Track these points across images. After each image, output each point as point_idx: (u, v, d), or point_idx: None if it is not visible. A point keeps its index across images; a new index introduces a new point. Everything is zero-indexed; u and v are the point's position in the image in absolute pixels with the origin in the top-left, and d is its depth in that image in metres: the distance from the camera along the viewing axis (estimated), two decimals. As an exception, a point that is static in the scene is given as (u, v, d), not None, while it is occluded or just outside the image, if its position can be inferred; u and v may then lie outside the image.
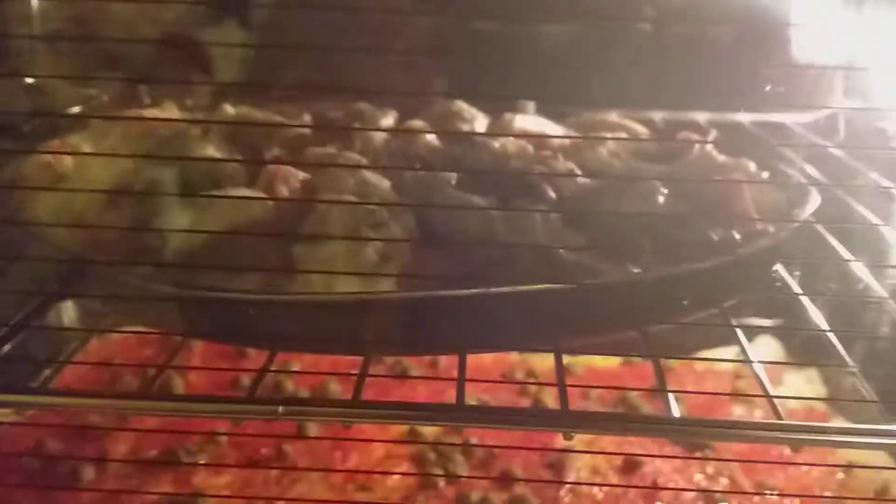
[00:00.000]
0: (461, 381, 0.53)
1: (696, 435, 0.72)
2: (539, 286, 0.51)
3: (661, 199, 0.67)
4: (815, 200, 0.71)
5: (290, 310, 0.52)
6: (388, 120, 0.91)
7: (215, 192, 0.64)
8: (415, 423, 0.80)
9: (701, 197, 0.69)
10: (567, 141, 0.86)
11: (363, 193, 0.66)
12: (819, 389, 1.23)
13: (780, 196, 0.75)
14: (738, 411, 1.15)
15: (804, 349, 1.27)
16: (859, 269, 0.79)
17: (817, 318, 0.74)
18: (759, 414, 1.14)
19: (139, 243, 0.60)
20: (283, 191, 0.67)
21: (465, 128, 0.91)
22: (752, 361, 0.65)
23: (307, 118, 0.89)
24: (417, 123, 0.90)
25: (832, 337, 0.73)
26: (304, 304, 0.52)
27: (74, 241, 0.63)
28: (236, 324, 0.54)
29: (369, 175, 0.68)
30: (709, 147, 0.79)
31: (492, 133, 0.82)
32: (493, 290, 0.51)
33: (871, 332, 0.79)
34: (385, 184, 0.68)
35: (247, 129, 0.84)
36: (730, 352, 1.29)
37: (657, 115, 1.26)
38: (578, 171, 0.74)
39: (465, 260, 0.59)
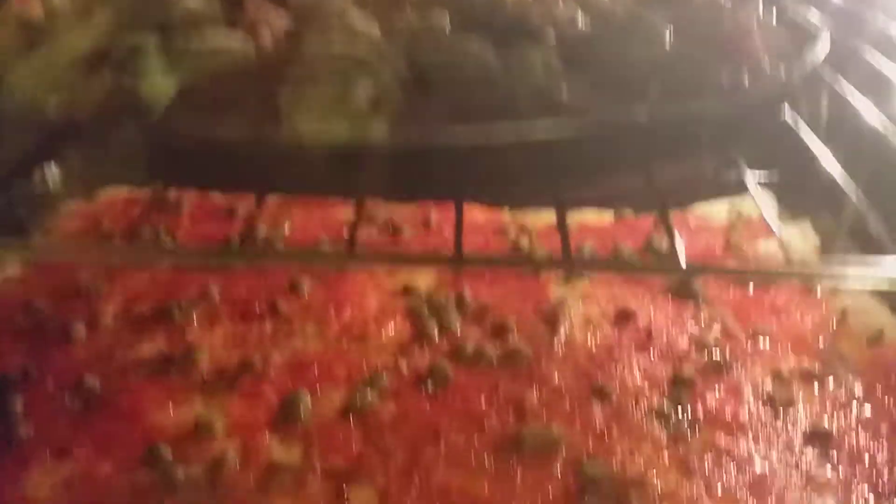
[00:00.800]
0: (459, 229, 0.51)
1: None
2: (541, 130, 0.48)
3: (667, 42, 0.64)
4: (824, 44, 0.67)
5: (279, 154, 0.49)
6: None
7: (194, 36, 0.60)
8: (413, 265, 0.78)
9: (708, 40, 0.66)
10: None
11: (350, 33, 0.62)
12: (814, 240, 1.23)
13: (789, 38, 0.71)
14: (730, 263, 1.15)
15: (798, 201, 1.27)
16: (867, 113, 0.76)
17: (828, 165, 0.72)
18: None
19: (122, 104, 0.57)
20: (266, 34, 0.63)
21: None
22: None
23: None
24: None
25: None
26: (292, 148, 0.49)
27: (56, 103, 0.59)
28: (223, 170, 0.51)
29: (358, 21, 0.64)
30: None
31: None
32: (495, 139, 0.48)
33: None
34: (374, 30, 0.64)
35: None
36: (722, 205, 1.29)
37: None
38: (580, 19, 0.69)
39: (463, 105, 0.56)
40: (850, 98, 0.77)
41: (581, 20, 0.70)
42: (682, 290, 1.06)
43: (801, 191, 1.23)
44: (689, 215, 1.26)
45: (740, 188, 0.84)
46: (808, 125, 0.71)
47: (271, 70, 0.60)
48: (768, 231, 1.18)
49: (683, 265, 0.55)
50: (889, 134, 0.72)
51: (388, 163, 0.48)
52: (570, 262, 0.51)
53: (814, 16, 0.74)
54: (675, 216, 1.16)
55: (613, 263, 0.64)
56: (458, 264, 0.52)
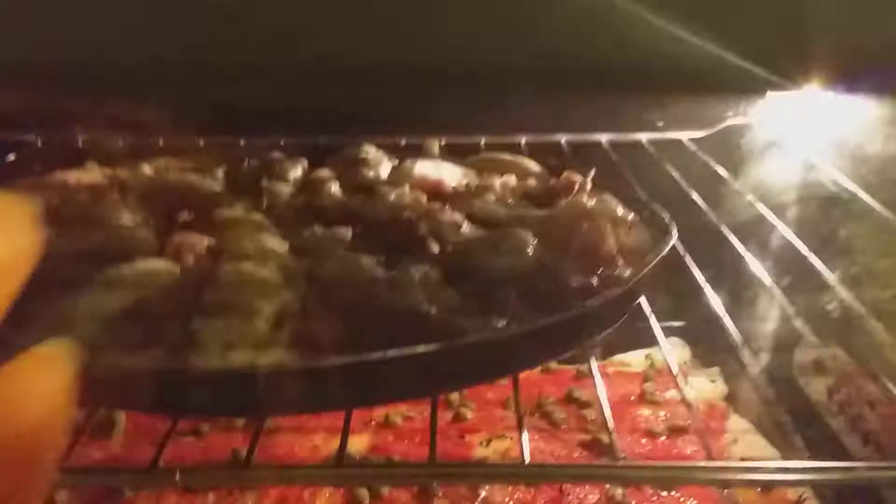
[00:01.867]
0: (345, 436, 0.61)
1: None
2: (404, 351, 0.59)
3: (530, 250, 0.75)
4: (669, 239, 0.79)
5: (185, 381, 0.59)
6: (297, 171, 0.98)
7: (125, 266, 0.71)
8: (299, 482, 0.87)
9: (568, 244, 0.78)
10: (462, 185, 0.94)
11: (261, 258, 0.73)
12: (721, 387, 1.33)
13: (645, 235, 0.83)
14: (645, 412, 1.25)
15: (709, 350, 1.39)
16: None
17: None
18: (663, 414, 1.24)
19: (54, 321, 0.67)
20: (190, 259, 0.74)
21: (370, 174, 0.98)
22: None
23: (220, 174, 0.96)
24: (322, 173, 0.97)
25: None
26: (197, 376, 0.59)
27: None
28: (138, 394, 0.61)
29: (268, 239, 0.75)
30: (583, 189, 0.89)
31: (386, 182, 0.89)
32: (365, 357, 0.58)
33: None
34: (283, 247, 0.76)
35: (161, 189, 0.91)
36: (639, 354, 1.40)
37: (562, 138, 1.36)
38: (463, 223, 0.81)
39: (352, 322, 0.67)
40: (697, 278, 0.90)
41: (465, 227, 0.82)
42: (598, 445, 1.15)
43: (711, 340, 1.36)
44: (609, 364, 1.36)
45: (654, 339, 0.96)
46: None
47: (191, 292, 0.70)
48: (680, 378, 1.29)
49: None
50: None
51: (282, 384, 0.58)
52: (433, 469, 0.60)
53: (664, 211, 0.86)
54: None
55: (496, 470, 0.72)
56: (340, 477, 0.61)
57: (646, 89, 1.28)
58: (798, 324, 0.96)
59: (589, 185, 0.93)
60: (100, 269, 0.73)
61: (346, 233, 0.79)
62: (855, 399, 1.17)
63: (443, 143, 1.28)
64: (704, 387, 1.32)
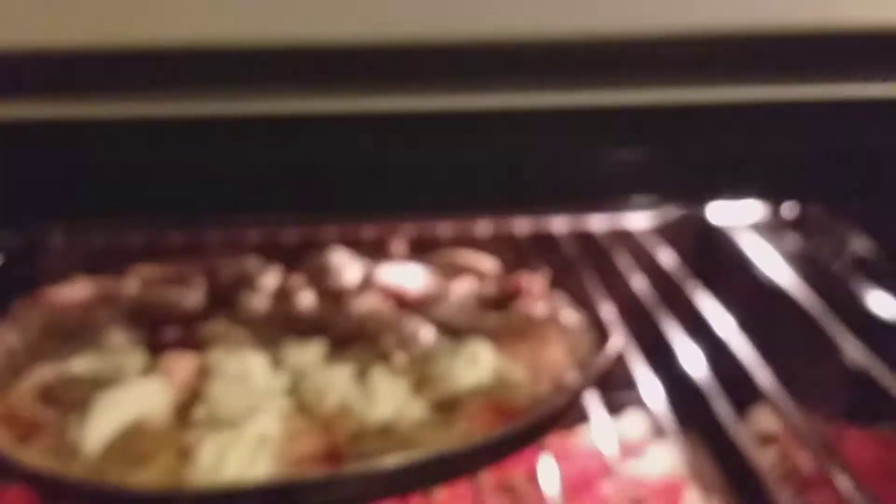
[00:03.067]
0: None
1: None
2: (374, 467, 0.67)
3: (485, 359, 0.84)
4: (614, 343, 0.88)
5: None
6: (272, 279, 1.06)
7: (118, 388, 0.79)
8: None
9: (520, 353, 0.87)
10: (423, 291, 1.03)
11: (245, 373, 0.81)
12: (678, 458, 1.41)
13: (589, 338, 0.92)
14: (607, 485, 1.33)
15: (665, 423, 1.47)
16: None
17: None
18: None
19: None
20: (179, 375, 0.82)
21: (341, 279, 1.07)
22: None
23: (200, 283, 1.04)
24: (295, 281, 1.05)
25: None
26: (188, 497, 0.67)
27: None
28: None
29: (249, 354, 0.84)
30: (533, 296, 0.99)
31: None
32: (338, 474, 0.67)
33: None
34: (262, 362, 0.84)
35: (148, 305, 0.99)
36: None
37: (518, 224, 1.45)
38: (426, 332, 0.90)
39: (330, 433, 0.75)
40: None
41: (426, 333, 0.91)
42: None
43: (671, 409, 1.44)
44: (568, 438, 1.44)
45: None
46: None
47: (183, 412, 0.78)
48: (639, 450, 1.38)
49: None
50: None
51: (262, 498, 0.66)
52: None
53: (610, 312, 0.95)
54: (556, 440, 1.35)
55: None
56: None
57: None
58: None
59: (541, 286, 1.02)
60: (98, 390, 0.81)
61: (319, 345, 0.87)
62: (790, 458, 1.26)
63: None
64: (661, 458, 1.40)
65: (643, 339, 1.18)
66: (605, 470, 1.35)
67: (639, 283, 1.28)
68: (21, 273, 1.26)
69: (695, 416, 1.28)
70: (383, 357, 0.86)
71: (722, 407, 1.22)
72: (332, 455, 0.73)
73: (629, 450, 1.39)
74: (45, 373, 0.85)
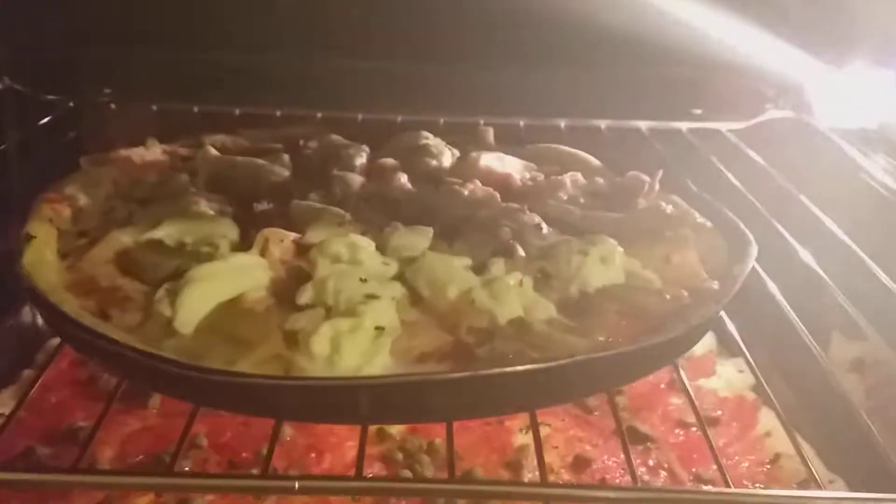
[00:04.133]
0: (450, 449, 0.61)
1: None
2: (517, 368, 0.59)
3: (618, 259, 0.75)
4: (752, 252, 0.79)
5: (290, 392, 0.59)
6: (362, 158, 0.96)
7: (217, 257, 0.70)
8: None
9: (652, 255, 0.78)
10: (531, 181, 0.93)
11: (353, 257, 0.73)
12: (749, 377, 1.34)
13: (723, 244, 0.83)
14: (676, 401, 1.26)
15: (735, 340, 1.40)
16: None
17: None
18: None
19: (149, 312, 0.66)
20: (277, 253, 0.73)
21: (434, 164, 0.97)
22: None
23: (286, 159, 0.95)
24: (388, 161, 0.96)
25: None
26: (302, 388, 0.59)
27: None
28: (242, 400, 0.61)
29: (357, 238, 0.75)
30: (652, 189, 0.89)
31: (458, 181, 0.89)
32: (477, 372, 0.58)
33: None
34: (371, 246, 0.75)
35: (231, 173, 0.89)
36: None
37: (602, 123, 1.35)
38: (544, 226, 0.81)
39: (452, 328, 0.67)
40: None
41: (545, 227, 0.82)
42: (633, 434, 1.16)
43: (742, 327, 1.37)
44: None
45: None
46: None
47: (284, 295, 0.70)
48: (709, 368, 1.31)
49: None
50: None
51: (387, 395, 0.58)
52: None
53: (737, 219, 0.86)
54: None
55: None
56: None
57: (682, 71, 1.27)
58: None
59: (657, 186, 0.93)
60: (184, 260, 0.73)
61: (428, 232, 0.78)
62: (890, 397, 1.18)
63: (481, 123, 1.27)
64: (732, 376, 1.33)
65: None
66: (674, 386, 1.29)
67: (727, 185, 1.19)
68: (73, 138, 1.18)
69: (768, 334, 1.18)
70: (501, 250, 0.77)
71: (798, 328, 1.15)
72: (459, 353, 0.64)
73: (698, 367, 1.32)
74: (122, 238, 0.76)
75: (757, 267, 0.93)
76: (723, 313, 1.38)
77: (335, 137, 1.02)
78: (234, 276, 0.69)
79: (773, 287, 0.93)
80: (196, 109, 1.30)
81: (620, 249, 0.77)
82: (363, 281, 0.69)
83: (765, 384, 0.89)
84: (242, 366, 0.62)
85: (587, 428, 1.17)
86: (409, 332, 0.66)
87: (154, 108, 1.30)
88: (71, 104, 1.29)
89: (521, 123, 1.31)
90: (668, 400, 1.25)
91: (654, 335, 0.66)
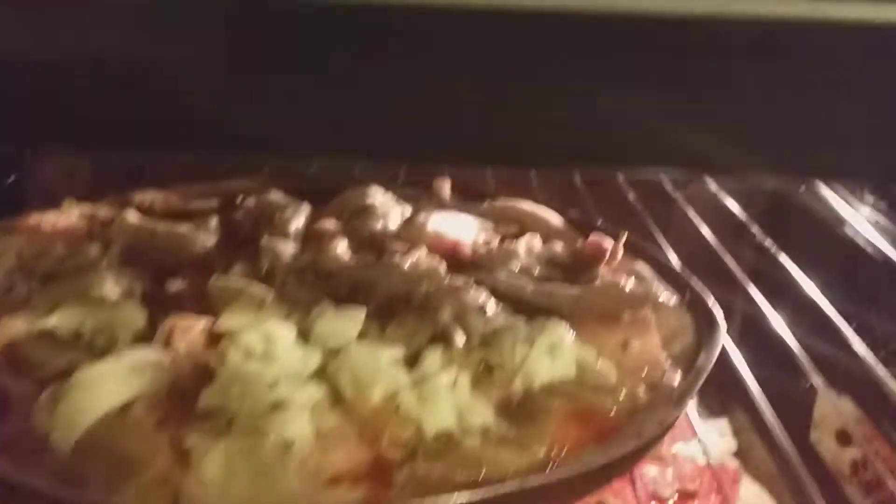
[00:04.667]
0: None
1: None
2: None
3: (567, 348, 0.67)
4: (719, 337, 0.71)
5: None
6: (299, 220, 0.88)
7: (108, 360, 0.61)
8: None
9: (608, 341, 0.69)
10: (482, 249, 0.85)
11: (268, 350, 0.64)
12: (730, 442, 1.26)
13: (688, 324, 0.75)
14: (651, 471, 1.17)
15: (717, 399, 1.32)
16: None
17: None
18: (669, 473, 1.17)
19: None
20: (183, 346, 0.65)
21: (378, 227, 0.89)
22: None
23: (213, 223, 0.86)
24: (327, 225, 0.87)
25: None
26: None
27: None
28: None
29: (273, 326, 0.66)
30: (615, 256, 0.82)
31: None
32: None
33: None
34: (290, 335, 0.67)
35: (149, 244, 0.81)
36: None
37: (576, 178, 1.27)
38: (490, 306, 0.73)
39: (373, 440, 0.58)
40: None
41: (490, 307, 0.73)
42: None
43: (720, 389, 1.29)
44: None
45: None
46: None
47: (186, 393, 0.61)
48: (688, 432, 1.22)
49: None
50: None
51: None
52: None
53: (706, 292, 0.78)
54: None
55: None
56: None
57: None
58: (817, 379, 0.89)
59: (620, 253, 0.85)
60: (77, 355, 0.64)
61: (359, 315, 0.70)
62: (872, 464, 1.10)
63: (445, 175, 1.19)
64: (713, 441, 1.25)
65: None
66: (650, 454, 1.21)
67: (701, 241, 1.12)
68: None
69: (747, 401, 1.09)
70: (439, 335, 0.68)
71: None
72: (377, 474, 0.56)
73: (676, 430, 1.24)
74: (14, 326, 0.68)
75: (728, 342, 0.85)
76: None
77: (275, 195, 0.94)
78: (125, 379, 0.60)
79: (739, 359, 0.85)
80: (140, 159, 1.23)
81: (570, 338, 0.68)
82: (271, 385, 0.60)
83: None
84: (125, 493, 0.54)
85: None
86: (323, 446, 0.58)
87: (92, 157, 1.23)
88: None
89: (489, 172, 1.23)
90: (642, 471, 1.17)
91: (602, 447, 0.58)
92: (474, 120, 0.43)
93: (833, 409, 1.11)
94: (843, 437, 1.11)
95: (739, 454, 1.24)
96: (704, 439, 1.22)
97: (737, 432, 1.27)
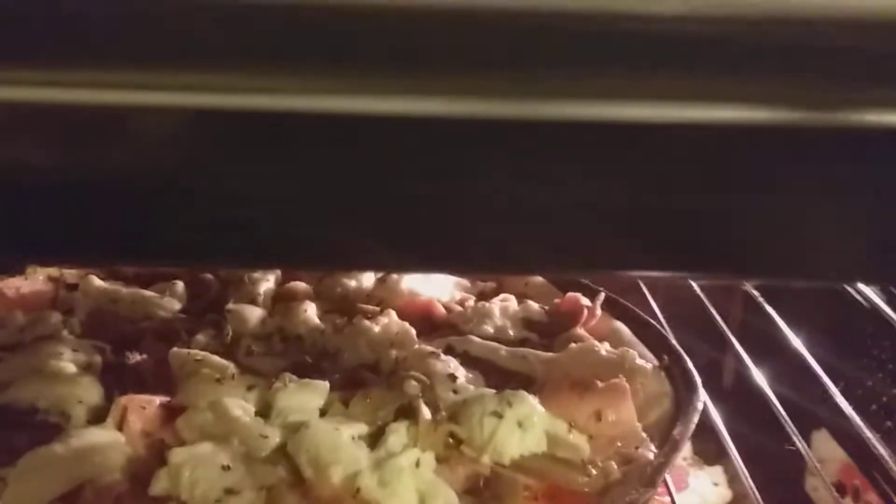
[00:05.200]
0: None
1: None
2: None
3: (537, 420, 0.65)
4: (698, 404, 0.69)
5: None
6: (269, 283, 0.86)
7: (58, 445, 0.59)
8: None
9: (581, 411, 0.67)
10: (456, 308, 0.83)
11: (225, 429, 0.62)
12: (725, 492, 1.23)
13: (666, 390, 0.73)
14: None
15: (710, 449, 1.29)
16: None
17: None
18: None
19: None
20: (137, 425, 0.63)
21: (352, 285, 0.87)
22: None
23: (179, 288, 0.84)
24: (298, 286, 0.85)
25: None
26: None
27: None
28: None
29: (230, 403, 0.64)
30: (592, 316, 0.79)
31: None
32: None
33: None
34: (249, 412, 0.64)
35: (113, 310, 0.79)
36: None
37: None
38: (460, 374, 0.71)
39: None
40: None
41: (461, 377, 0.71)
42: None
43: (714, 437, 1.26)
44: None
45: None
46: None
47: (141, 478, 0.59)
48: (681, 480, 1.19)
49: None
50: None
51: None
52: None
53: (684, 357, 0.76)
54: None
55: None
56: None
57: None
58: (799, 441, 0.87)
59: (598, 312, 0.83)
60: (32, 432, 0.62)
61: (323, 389, 0.67)
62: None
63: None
64: (707, 490, 1.22)
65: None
66: None
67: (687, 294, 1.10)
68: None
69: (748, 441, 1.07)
70: (404, 409, 0.66)
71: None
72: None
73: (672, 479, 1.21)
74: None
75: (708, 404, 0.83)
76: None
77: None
78: (75, 463, 0.58)
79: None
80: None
81: (542, 410, 0.66)
82: (226, 468, 0.58)
83: None
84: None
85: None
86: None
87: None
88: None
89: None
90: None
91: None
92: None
93: (826, 459, 1.08)
94: (839, 487, 1.08)
95: (734, 503, 1.21)
96: (698, 488, 1.20)
97: (731, 481, 1.24)
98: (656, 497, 1.17)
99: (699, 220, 0.40)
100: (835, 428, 1.07)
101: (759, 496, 0.78)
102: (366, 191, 0.39)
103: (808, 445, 1.17)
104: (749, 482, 0.79)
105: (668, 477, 0.87)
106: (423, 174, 0.39)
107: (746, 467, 1.22)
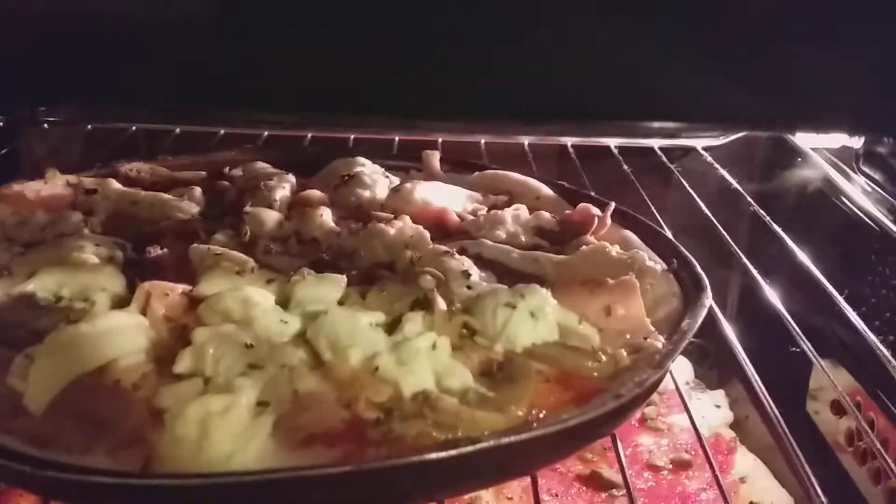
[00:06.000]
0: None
1: None
2: (407, 460, 0.50)
3: (550, 311, 0.66)
4: (706, 301, 0.70)
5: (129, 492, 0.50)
6: (284, 190, 0.87)
7: (84, 324, 0.61)
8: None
9: (591, 306, 0.69)
10: (469, 216, 0.85)
11: (246, 314, 0.64)
12: (727, 413, 1.25)
13: (674, 289, 0.74)
14: (646, 440, 1.17)
15: (715, 371, 1.31)
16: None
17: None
18: (665, 443, 1.17)
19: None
20: (160, 311, 0.64)
21: (366, 195, 0.89)
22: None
23: (197, 193, 0.86)
24: (313, 194, 0.87)
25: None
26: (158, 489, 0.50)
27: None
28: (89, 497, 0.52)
29: (251, 291, 0.66)
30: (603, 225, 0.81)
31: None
32: (366, 466, 0.50)
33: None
34: (269, 301, 0.66)
35: (131, 210, 0.81)
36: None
37: (569, 140, 1.26)
38: (471, 270, 0.72)
39: (351, 401, 0.58)
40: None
41: (474, 274, 0.73)
42: (597, 480, 1.07)
43: (717, 361, 1.28)
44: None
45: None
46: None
47: (164, 360, 0.61)
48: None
49: None
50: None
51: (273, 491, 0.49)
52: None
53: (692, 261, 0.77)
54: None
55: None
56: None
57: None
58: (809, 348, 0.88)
59: (608, 222, 0.84)
60: (54, 318, 0.64)
61: (340, 281, 0.69)
62: (866, 435, 1.10)
63: (440, 141, 1.19)
64: (709, 412, 1.24)
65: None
66: (646, 421, 1.20)
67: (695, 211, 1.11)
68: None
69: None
70: (420, 301, 0.68)
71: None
72: (353, 435, 0.55)
73: (672, 401, 1.23)
74: (-5, 290, 0.67)
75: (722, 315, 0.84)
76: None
77: (261, 165, 0.93)
78: (100, 342, 0.60)
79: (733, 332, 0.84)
80: (134, 128, 1.23)
81: (553, 302, 0.67)
82: (249, 346, 0.60)
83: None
84: (97, 452, 0.53)
85: (546, 474, 1.08)
86: (299, 408, 0.57)
87: (89, 127, 1.22)
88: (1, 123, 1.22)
89: (482, 141, 1.23)
90: (637, 439, 1.17)
91: (581, 408, 0.57)
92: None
93: (828, 380, 1.10)
94: (839, 408, 1.10)
95: (736, 425, 1.23)
96: (700, 410, 1.22)
97: (733, 404, 1.26)
98: (660, 417, 1.20)
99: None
100: (840, 350, 1.08)
101: (776, 411, 0.78)
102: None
103: (809, 373, 1.19)
104: (764, 393, 0.79)
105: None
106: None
107: (748, 391, 1.24)
